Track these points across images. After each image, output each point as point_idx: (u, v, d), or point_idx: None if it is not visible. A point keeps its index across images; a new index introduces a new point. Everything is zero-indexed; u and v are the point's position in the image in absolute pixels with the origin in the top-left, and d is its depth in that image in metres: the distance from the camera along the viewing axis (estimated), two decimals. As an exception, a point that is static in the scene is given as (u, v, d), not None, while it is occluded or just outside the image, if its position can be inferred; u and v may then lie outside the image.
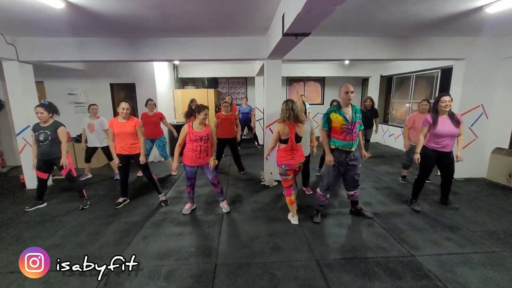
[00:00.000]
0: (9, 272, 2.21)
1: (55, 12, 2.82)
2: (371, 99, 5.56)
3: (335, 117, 2.75)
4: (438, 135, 3.04)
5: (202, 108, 2.99)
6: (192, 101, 5.71)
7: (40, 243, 2.63)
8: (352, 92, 2.74)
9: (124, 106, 3.21)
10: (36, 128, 3.22)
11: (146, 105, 4.55)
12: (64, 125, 3.32)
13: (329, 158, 2.83)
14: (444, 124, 3.01)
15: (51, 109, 3.27)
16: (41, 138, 3.17)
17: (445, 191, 3.35)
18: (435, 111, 3.07)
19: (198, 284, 2.04)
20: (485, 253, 2.40)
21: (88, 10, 2.84)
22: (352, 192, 3.02)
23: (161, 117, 4.62)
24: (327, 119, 2.80)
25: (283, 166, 2.87)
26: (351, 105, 2.81)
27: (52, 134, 3.20)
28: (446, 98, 3.00)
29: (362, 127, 2.90)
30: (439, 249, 2.47)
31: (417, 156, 3.11)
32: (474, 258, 2.32)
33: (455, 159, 3.12)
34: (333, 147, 2.82)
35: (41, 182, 3.40)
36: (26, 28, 3.50)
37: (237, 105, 7.54)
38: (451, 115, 3.04)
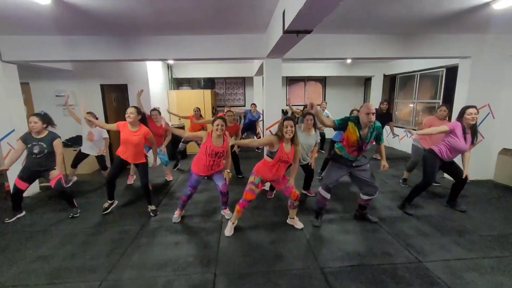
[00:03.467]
0: (-5, 285, 2.18)
1: (41, 8, 2.81)
2: (388, 103, 5.63)
3: (352, 128, 2.71)
4: (457, 150, 3.09)
5: (219, 117, 2.93)
6: (196, 110, 5.61)
7: (28, 255, 2.60)
8: (373, 113, 2.61)
9: (128, 111, 3.19)
10: (29, 139, 3.13)
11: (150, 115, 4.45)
12: (59, 137, 3.30)
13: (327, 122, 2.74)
14: (467, 140, 3.05)
15: (46, 120, 3.23)
16: (35, 151, 3.10)
17: (455, 192, 3.40)
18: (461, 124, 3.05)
19: (197, 296, 2.04)
20: (495, 258, 2.43)
21: (76, 6, 2.83)
22: (366, 197, 2.99)
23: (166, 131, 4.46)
24: (343, 122, 2.74)
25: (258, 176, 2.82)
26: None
27: (48, 147, 3.17)
28: (472, 110, 2.98)
29: (383, 141, 2.90)
30: (447, 254, 2.49)
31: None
32: (484, 263, 2.35)
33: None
34: (339, 153, 2.88)
35: (18, 193, 3.28)
36: (9, 26, 3.48)
37: (238, 106, 7.55)
38: (473, 129, 3.06)
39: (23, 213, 3.48)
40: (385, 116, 5.51)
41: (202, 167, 3.00)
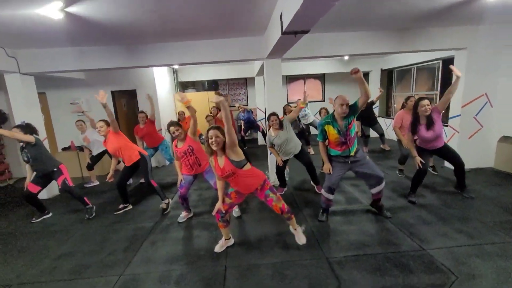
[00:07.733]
0: (21, 283, 2.23)
1: (54, 23, 2.85)
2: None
3: (330, 129, 2.69)
4: (426, 140, 3.08)
5: (169, 124, 2.93)
6: (180, 114, 5.81)
7: (50, 253, 2.65)
8: (347, 104, 2.58)
9: (97, 125, 3.28)
10: (20, 149, 3.21)
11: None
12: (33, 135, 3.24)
13: (327, 166, 2.84)
14: (422, 126, 3.03)
15: (28, 129, 3.22)
16: (25, 159, 3.19)
17: (459, 176, 3.30)
18: (415, 115, 3.07)
19: (209, 287, 2.04)
20: (497, 243, 2.36)
21: (86, 19, 2.86)
22: (375, 190, 2.88)
23: (151, 121, 4.54)
24: (322, 131, 2.75)
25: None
26: None
27: (30, 152, 3.16)
28: (424, 102, 2.98)
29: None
30: (450, 241, 2.44)
31: (418, 159, 3.06)
32: (487, 249, 2.29)
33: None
34: (332, 154, 2.83)
35: (30, 196, 3.29)
36: (26, 40, 3.53)
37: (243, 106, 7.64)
38: (428, 118, 3.02)
39: (50, 214, 3.55)
40: (369, 106, 5.45)
41: (184, 166, 3.02)
